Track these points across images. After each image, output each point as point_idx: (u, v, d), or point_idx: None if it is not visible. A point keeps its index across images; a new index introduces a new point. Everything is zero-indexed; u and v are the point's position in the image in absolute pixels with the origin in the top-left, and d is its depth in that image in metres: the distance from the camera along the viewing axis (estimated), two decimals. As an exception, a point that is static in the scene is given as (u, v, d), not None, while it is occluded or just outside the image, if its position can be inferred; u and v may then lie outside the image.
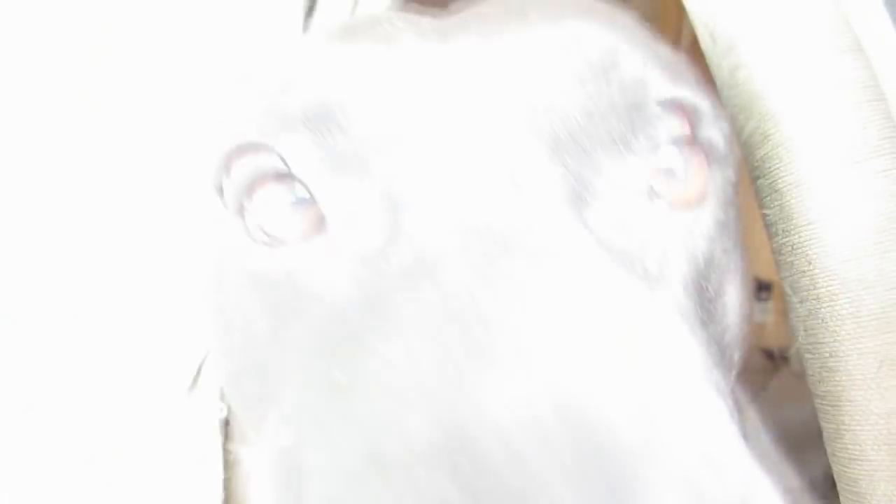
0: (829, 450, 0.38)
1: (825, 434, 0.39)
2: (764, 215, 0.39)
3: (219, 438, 0.51)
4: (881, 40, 0.36)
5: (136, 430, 0.48)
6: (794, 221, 0.36)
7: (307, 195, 0.31)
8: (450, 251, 0.26)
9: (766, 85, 0.36)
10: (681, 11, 0.42)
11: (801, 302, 0.38)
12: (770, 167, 0.37)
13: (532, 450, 0.18)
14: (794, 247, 0.37)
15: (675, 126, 0.32)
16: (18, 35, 0.48)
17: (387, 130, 0.30)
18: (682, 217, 0.32)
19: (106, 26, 0.50)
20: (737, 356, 0.37)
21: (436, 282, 0.25)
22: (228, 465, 0.51)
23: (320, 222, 0.31)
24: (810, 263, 0.36)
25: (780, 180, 0.36)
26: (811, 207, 0.35)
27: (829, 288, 0.35)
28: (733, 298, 0.36)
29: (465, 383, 0.20)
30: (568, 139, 0.30)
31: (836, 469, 0.38)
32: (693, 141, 0.33)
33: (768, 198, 0.38)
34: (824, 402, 0.38)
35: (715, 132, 0.34)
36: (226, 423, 0.53)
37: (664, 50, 0.34)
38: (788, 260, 0.37)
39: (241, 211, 0.32)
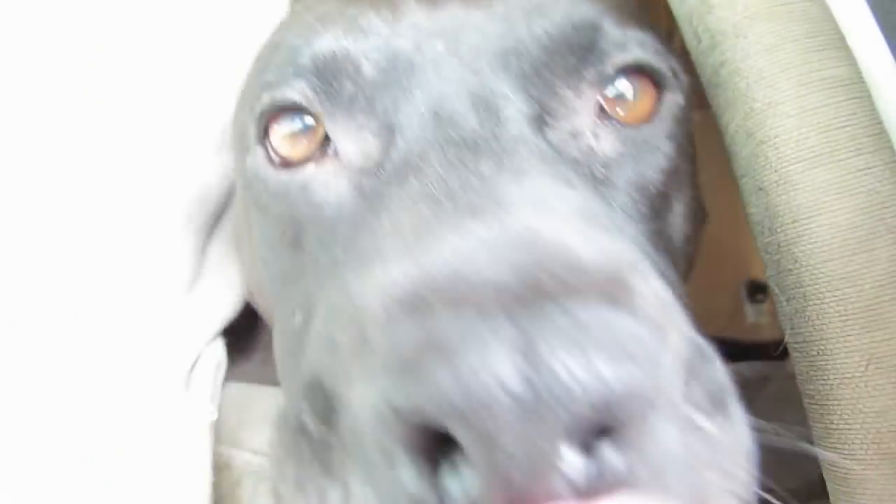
0: (818, 449, 0.38)
1: (815, 433, 0.38)
2: (749, 214, 0.39)
3: (209, 441, 0.51)
4: (865, 36, 0.36)
5: (127, 432, 0.48)
6: (779, 220, 0.36)
7: (314, 123, 0.40)
8: (432, 155, 0.34)
9: (750, 83, 0.36)
10: (670, 10, 0.42)
11: (787, 300, 0.37)
12: (754, 165, 0.37)
13: (489, 266, 0.24)
14: (780, 245, 0.37)
15: (625, 59, 0.39)
16: (18, 35, 0.48)
17: (387, 76, 0.38)
18: (631, 132, 0.40)
19: (106, 26, 0.50)
20: (682, 260, 0.43)
21: (418, 175, 0.33)
22: (218, 468, 0.51)
23: (327, 147, 0.40)
24: (796, 262, 0.36)
25: (764, 178, 0.36)
26: (796, 205, 0.35)
27: (816, 286, 0.35)
28: (680, 203, 0.42)
29: (434, 237, 0.27)
30: (532, 74, 0.38)
31: (826, 468, 0.38)
32: (641, 71, 0.40)
33: (753, 196, 0.38)
34: (813, 402, 0.38)
35: (662, 63, 0.41)
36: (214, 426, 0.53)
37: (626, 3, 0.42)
38: (775, 258, 0.37)
39: (262, 140, 0.42)
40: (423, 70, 0.38)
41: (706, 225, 0.51)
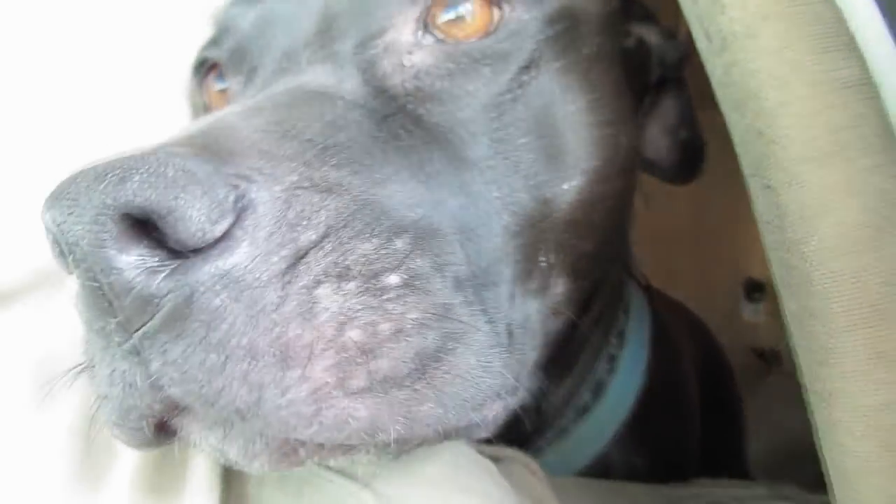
0: (821, 444, 0.39)
1: (817, 429, 0.39)
2: (757, 213, 0.39)
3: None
4: (875, 38, 0.37)
5: None
6: (788, 218, 0.37)
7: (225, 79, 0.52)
8: (264, 75, 0.47)
9: (760, 83, 0.36)
10: (678, 8, 0.42)
11: (793, 298, 0.38)
12: (764, 164, 0.37)
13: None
14: (789, 243, 0.37)
15: None
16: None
17: (256, 31, 0.49)
18: (475, 45, 0.44)
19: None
20: (560, 185, 0.45)
21: (245, 94, 0.47)
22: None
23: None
24: (804, 259, 0.36)
25: (773, 177, 0.37)
26: (805, 204, 0.36)
27: (823, 283, 0.36)
28: (538, 123, 0.45)
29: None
30: (360, 12, 0.45)
31: (827, 463, 0.39)
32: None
33: (762, 195, 0.38)
34: (817, 397, 0.38)
35: None
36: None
37: None
38: (782, 256, 0.38)
39: (201, 88, 0.55)
40: (281, 22, 0.47)
41: (630, 182, 0.55)
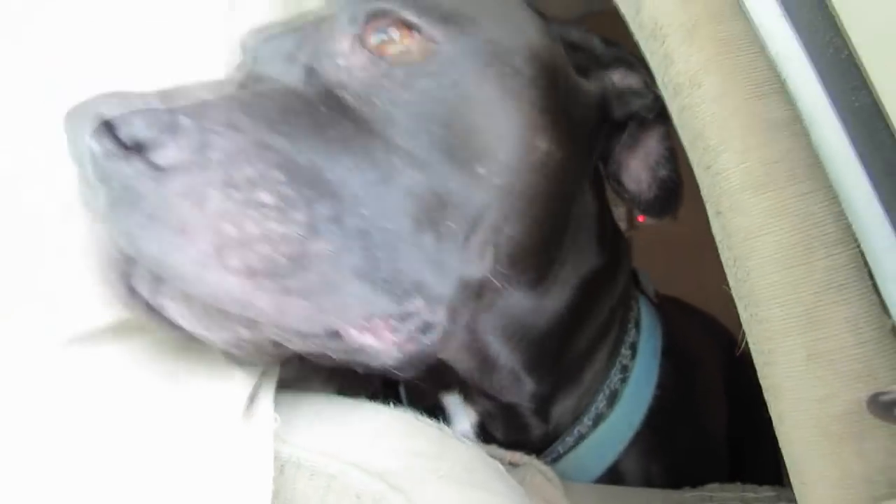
0: (777, 435, 0.44)
1: (773, 422, 0.44)
2: (714, 234, 0.45)
3: (272, 444, 0.58)
4: (804, 84, 0.43)
5: (189, 452, 0.55)
6: (733, 238, 0.43)
7: None
8: (265, 55, 0.58)
9: (705, 124, 0.42)
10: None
11: (744, 307, 0.44)
12: (712, 193, 0.43)
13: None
14: (736, 260, 0.43)
15: (369, 9, 0.54)
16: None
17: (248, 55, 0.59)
18: (413, 66, 0.54)
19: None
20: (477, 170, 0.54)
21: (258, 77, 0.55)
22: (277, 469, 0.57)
23: None
24: (748, 273, 0.42)
25: (721, 204, 0.43)
26: (746, 227, 0.42)
27: (764, 293, 0.42)
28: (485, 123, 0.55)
29: None
30: (314, 33, 0.57)
31: (783, 452, 0.44)
32: (387, 16, 0.54)
33: (714, 219, 0.44)
34: (768, 393, 0.44)
35: (412, 15, 0.54)
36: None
37: None
38: (732, 271, 0.44)
39: None
40: (260, 48, 0.58)
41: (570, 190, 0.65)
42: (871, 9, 0.36)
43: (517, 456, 0.71)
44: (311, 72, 0.55)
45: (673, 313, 0.95)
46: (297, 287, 0.45)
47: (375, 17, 0.54)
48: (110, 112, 0.42)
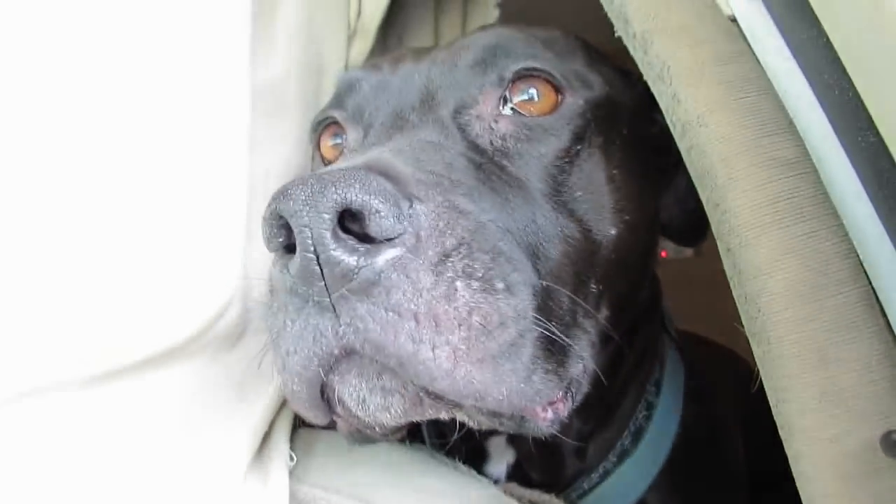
0: (793, 474, 0.44)
1: (789, 457, 0.44)
2: (725, 270, 0.46)
3: (287, 481, 0.58)
4: (812, 122, 0.43)
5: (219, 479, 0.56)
6: (744, 275, 0.43)
7: (340, 136, 0.66)
8: (381, 129, 0.57)
9: (712, 163, 0.43)
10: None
11: (757, 344, 0.44)
12: (721, 230, 0.44)
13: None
14: (747, 297, 0.43)
15: (518, 67, 0.58)
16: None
17: (375, 93, 0.63)
18: (531, 120, 0.57)
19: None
20: (604, 229, 0.57)
21: (366, 143, 0.58)
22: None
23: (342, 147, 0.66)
24: (759, 311, 0.42)
25: (730, 241, 0.43)
26: (755, 264, 0.42)
27: (776, 331, 0.42)
28: (585, 186, 0.57)
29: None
30: (456, 85, 0.59)
31: (799, 490, 0.44)
32: (536, 76, 0.58)
33: (724, 256, 0.45)
34: (783, 431, 0.44)
35: (556, 70, 0.58)
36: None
37: (550, 44, 0.62)
38: (744, 308, 0.44)
39: (317, 147, 0.69)
40: (393, 90, 0.61)
41: (653, 237, 0.69)
42: (872, 51, 0.37)
43: (536, 494, 0.72)
44: (463, 133, 0.57)
45: (693, 349, 0.95)
46: (511, 368, 0.46)
47: (523, 77, 0.58)
48: (350, 198, 0.41)
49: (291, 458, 0.60)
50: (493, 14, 0.90)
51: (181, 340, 0.55)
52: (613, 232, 0.58)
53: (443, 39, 0.91)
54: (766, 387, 0.45)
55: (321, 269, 0.41)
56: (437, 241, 0.44)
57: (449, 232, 0.44)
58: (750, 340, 0.45)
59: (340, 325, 0.43)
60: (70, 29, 0.54)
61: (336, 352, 0.44)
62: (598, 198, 0.58)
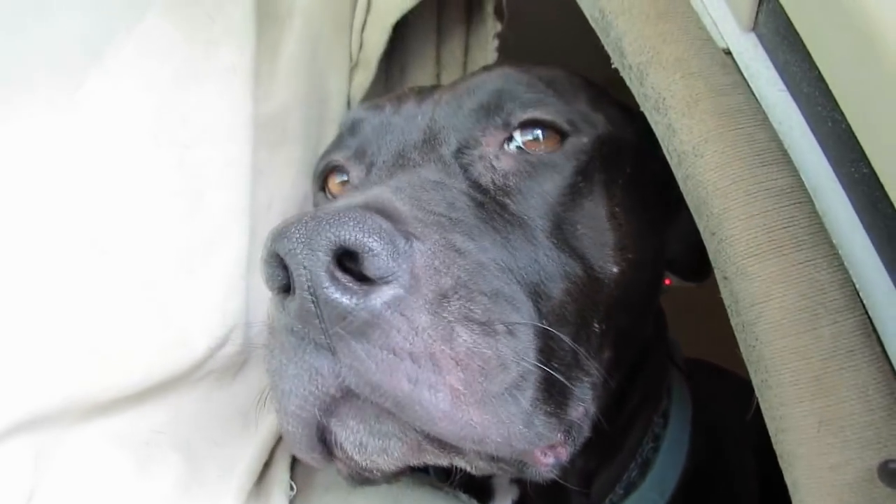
0: (793, 502, 0.44)
1: (789, 487, 0.44)
2: (723, 298, 0.46)
3: None
4: (806, 152, 0.44)
5: None
6: (741, 304, 0.43)
7: (346, 174, 0.67)
8: (383, 167, 0.59)
9: (708, 193, 0.43)
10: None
11: (755, 373, 0.44)
12: (718, 259, 0.44)
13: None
14: (744, 325, 0.43)
15: (525, 117, 0.59)
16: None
17: (376, 132, 0.64)
18: (533, 156, 0.58)
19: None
20: (606, 267, 0.57)
21: (369, 180, 0.59)
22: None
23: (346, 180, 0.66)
24: (757, 339, 0.43)
25: (727, 270, 0.44)
26: (752, 293, 0.42)
27: (773, 360, 0.42)
28: (590, 218, 0.57)
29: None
30: (460, 127, 0.60)
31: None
32: (541, 124, 0.59)
33: (722, 284, 0.45)
34: (782, 460, 0.43)
35: (560, 119, 0.59)
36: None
37: (553, 85, 0.62)
38: (742, 337, 0.44)
39: (323, 188, 0.70)
40: (396, 130, 0.62)
41: (657, 274, 0.69)
42: (862, 85, 0.37)
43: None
44: (465, 172, 0.57)
45: (702, 378, 0.94)
46: (512, 411, 0.45)
47: (529, 125, 0.59)
48: (346, 237, 0.41)
49: (291, 488, 0.60)
50: (493, 45, 0.92)
51: (183, 369, 0.55)
52: (616, 270, 0.58)
53: (444, 70, 0.92)
54: (765, 416, 0.45)
55: (319, 310, 0.41)
56: (434, 280, 0.43)
57: (446, 271, 0.44)
58: (748, 368, 0.45)
59: (338, 366, 0.42)
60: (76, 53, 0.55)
61: (334, 392, 0.44)
62: (600, 235, 0.58)
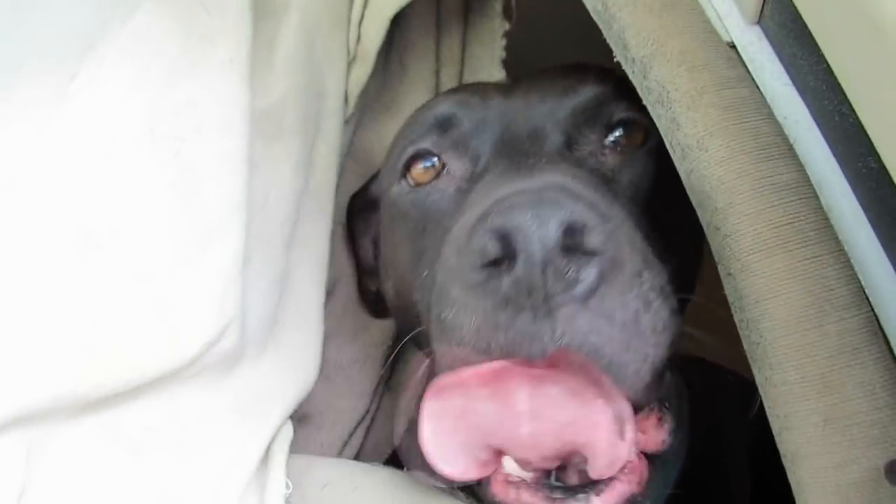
0: (797, 502, 0.43)
1: (792, 487, 0.43)
2: (727, 295, 0.45)
3: None
4: (812, 146, 0.43)
5: None
6: (745, 300, 0.43)
7: (434, 160, 0.67)
8: (499, 164, 0.61)
9: (712, 187, 0.43)
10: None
11: (759, 370, 0.43)
12: (722, 255, 0.43)
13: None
14: (749, 322, 0.43)
15: (620, 116, 0.63)
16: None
17: (476, 127, 0.66)
18: (629, 153, 0.63)
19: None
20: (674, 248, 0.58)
21: (489, 175, 0.60)
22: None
23: (442, 170, 0.67)
24: (761, 336, 0.42)
25: (731, 266, 0.43)
26: (757, 289, 0.42)
27: (777, 357, 0.41)
28: (668, 203, 0.57)
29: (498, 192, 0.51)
30: (565, 124, 0.63)
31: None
32: (631, 121, 0.63)
33: (725, 280, 0.44)
34: (786, 460, 0.43)
35: (643, 118, 0.59)
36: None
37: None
38: (745, 334, 0.44)
39: (404, 175, 0.69)
40: (496, 124, 0.65)
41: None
42: (873, 77, 0.37)
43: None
44: (573, 157, 0.62)
45: (698, 375, 0.95)
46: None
47: (622, 123, 0.64)
48: (571, 215, 0.45)
49: (287, 486, 0.59)
50: (501, 44, 0.92)
51: (177, 365, 0.54)
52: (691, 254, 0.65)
53: (443, 66, 0.91)
54: (768, 414, 0.44)
55: (545, 279, 0.45)
56: (631, 255, 0.48)
57: (634, 246, 0.49)
58: (752, 366, 0.45)
59: (557, 333, 0.46)
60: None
61: (545, 349, 0.47)
62: (679, 218, 0.60)
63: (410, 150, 0.69)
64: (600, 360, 0.46)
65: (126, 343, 0.52)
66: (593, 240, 0.45)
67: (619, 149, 0.64)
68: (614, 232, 0.47)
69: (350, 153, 0.87)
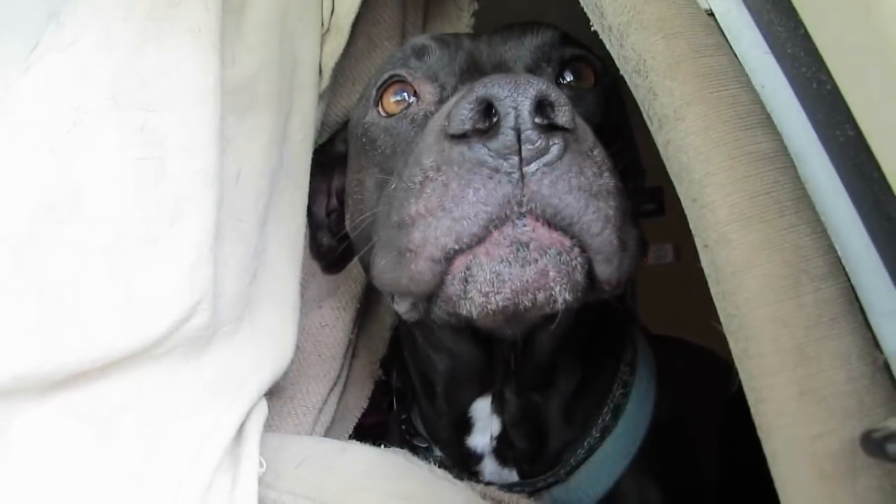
0: (772, 474, 0.43)
1: (767, 460, 0.43)
2: (703, 267, 0.45)
3: (256, 489, 0.57)
4: (789, 115, 0.43)
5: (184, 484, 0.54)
6: (721, 272, 0.42)
7: (405, 94, 0.71)
8: (457, 85, 0.67)
9: (689, 157, 0.42)
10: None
11: (735, 342, 0.43)
12: (699, 226, 0.43)
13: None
14: (725, 294, 0.42)
15: (573, 53, 0.70)
16: None
17: (447, 56, 0.70)
18: (581, 90, 0.70)
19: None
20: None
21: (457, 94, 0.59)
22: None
23: (409, 105, 0.70)
24: (737, 308, 0.42)
25: (707, 237, 0.42)
26: (733, 260, 0.41)
27: (753, 329, 0.41)
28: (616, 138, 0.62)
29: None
30: (527, 56, 0.70)
31: (777, 491, 0.43)
32: (583, 60, 0.70)
33: (702, 253, 0.44)
34: (761, 431, 0.43)
35: (593, 59, 0.71)
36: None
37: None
38: (721, 305, 0.43)
39: (377, 103, 0.72)
40: (465, 59, 0.69)
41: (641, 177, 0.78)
42: (854, 44, 0.36)
43: (514, 498, 0.71)
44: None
45: (667, 349, 0.98)
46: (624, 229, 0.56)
47: (576, 61, 0.71)
48: (546, 92, 0.49)
49: (261, 464, 0.58)
50: (470, 22, 0.93)
51: (147, 343, 0.53)
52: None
53: (406, 38, 0.91)
54: (744, 386, 0.44)
55: (519, 146, 0.49)
56: (584, 133, 0.53)
57: (586, 127, 0.54)
58: (728, 338, 0.44)
59: (525, 192, 0.50)
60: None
61: (510, 215, 0.51)
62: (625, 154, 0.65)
63: (385, 75, 0.73)
64: (566, 219, 0.51)
65: (91, 321, 0.50)
66: (561, 116, 0.50)
67: (572, 85, 0.70)
68: (574, 113, 0.52)
69: (318, 127, 0.85)
